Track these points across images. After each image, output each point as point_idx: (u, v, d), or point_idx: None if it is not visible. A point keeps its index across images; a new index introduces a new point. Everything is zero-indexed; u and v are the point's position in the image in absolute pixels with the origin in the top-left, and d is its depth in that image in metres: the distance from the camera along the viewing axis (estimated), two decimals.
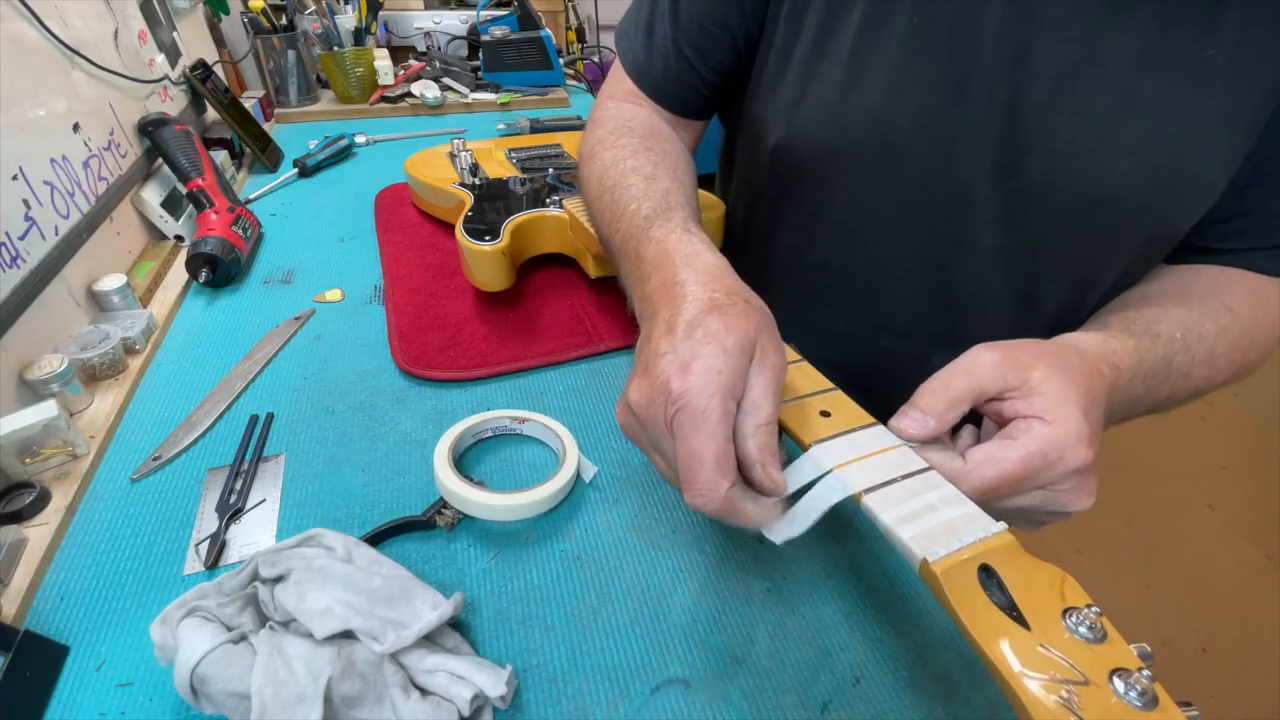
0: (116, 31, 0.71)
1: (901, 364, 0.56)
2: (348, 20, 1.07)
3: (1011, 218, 0.47)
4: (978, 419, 0.35)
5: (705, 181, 0.70)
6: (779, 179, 0.55)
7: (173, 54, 0.84)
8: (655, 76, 0.55)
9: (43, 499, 0.42)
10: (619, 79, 0.57)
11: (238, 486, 0.44)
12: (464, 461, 0.46)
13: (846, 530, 0.42)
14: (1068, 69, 0.41)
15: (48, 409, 0.43)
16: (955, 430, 0.34)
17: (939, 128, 0.45)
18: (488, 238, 0.55)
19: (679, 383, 0.29)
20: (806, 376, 0.37)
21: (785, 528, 0.31)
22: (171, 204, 0.71)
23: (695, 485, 0.28)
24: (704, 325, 0.30)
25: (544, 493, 0.42)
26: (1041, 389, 0.32)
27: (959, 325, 0.53)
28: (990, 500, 0.31)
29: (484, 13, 1.18)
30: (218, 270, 0.63)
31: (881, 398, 0.42)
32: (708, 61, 0.53)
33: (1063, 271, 0.49)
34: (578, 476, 0.45)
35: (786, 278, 0.59)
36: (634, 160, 0.47)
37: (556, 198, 0.63)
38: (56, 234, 0.54)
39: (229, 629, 0.32)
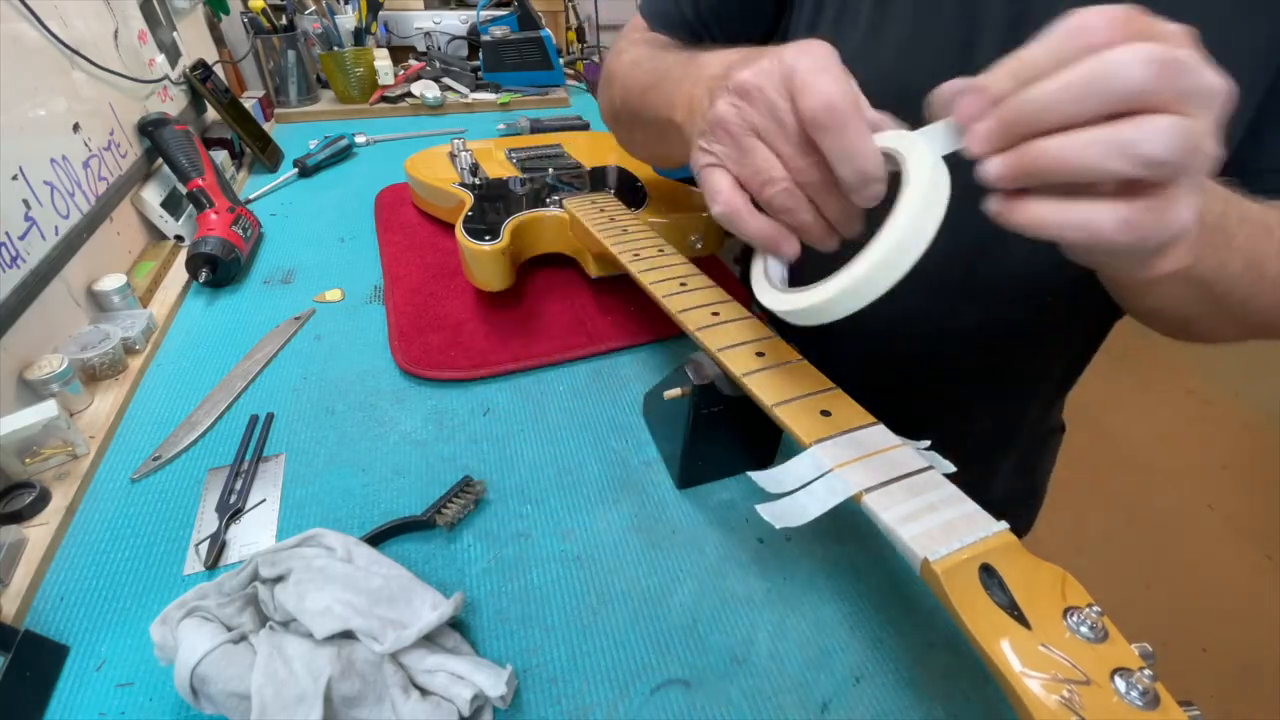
0: (116, 31, 0.71)
1: (923, 324, 0.56)
2: (348, 20, 1.07)
3: None
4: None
5: None
6: None
7: (173, 54, 0.84)
8: (671, 16, 0.57)
9: (43, 499, 0.42)
10: (634, 27, 0.60)
11: (238, 486, 0.44)
12: None
13: (846, 530, 0.42)
14: None
15: (48, 409, 0.43)
16: None
17: None
18: (488, 238, 0.55)
19: (812, 57, 0.31)
20: (807, 376, 0.37)
21: (784, 515, 0.31)
22: (171, 204, 0.71)
23: (845, 130, 0.30)
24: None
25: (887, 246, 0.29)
26: None
27: (978, 276, 0.52)
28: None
29: (484, 13, 1.18)
30: (218, 270, 0.63)
31: (902, 379, 0.41)
32: (722, 24, 0.56)
33: None
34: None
35: (806, 259, 0.60)
36: (664, 57, 0.49)
37: (556, 198, 0.63)
38: (56, 234, 0.54)
39: (229, 629, 0.32)
